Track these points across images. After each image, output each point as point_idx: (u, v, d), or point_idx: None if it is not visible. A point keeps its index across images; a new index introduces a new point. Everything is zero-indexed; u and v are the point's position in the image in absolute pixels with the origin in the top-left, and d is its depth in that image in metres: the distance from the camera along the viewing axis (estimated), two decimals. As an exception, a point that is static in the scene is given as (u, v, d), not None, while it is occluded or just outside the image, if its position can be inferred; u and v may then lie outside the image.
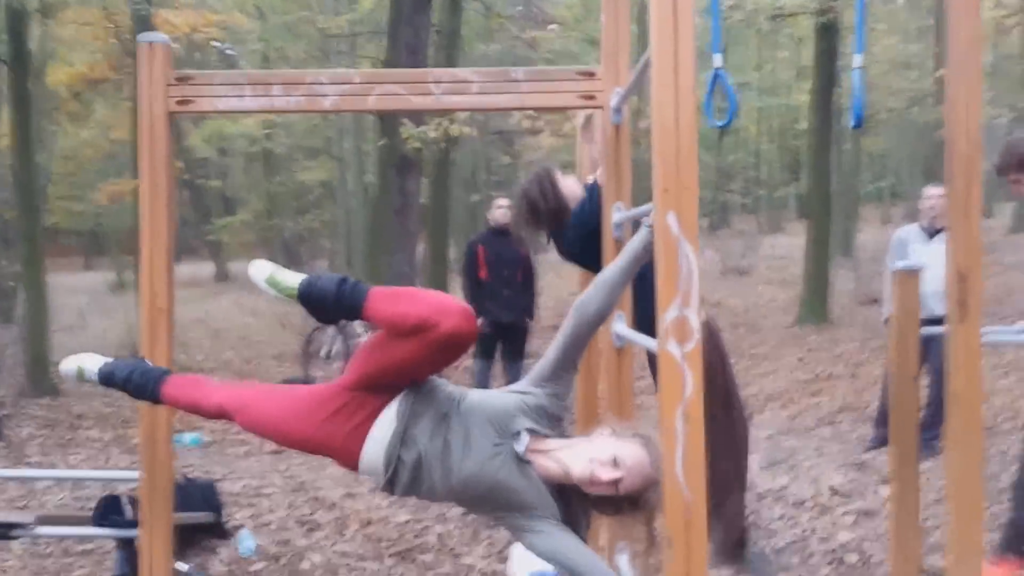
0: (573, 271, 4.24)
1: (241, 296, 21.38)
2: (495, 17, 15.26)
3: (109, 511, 3.71)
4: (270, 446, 7.19)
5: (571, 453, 2.24)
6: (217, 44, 22.73)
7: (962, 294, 3.01)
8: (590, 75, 3.08)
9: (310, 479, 6.15)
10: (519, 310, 7.07)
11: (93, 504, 4.23)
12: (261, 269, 2.44)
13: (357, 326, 9.17)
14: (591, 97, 3.06)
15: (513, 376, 7.29)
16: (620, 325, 3.00)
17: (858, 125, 3.11)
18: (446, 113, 8.60)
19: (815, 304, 12.24)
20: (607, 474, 2.15)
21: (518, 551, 4.58)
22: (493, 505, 2.28)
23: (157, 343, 3.06)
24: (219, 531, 4.93)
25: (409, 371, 2.32)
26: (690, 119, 2.03)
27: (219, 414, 2.53)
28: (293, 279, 2.38)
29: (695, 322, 2.02)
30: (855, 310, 13.33)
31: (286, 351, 12.25)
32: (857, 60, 3.18)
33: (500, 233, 7.06)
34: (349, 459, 2.34)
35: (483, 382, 7.15)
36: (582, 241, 3.46)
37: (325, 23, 13.28)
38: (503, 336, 7.08)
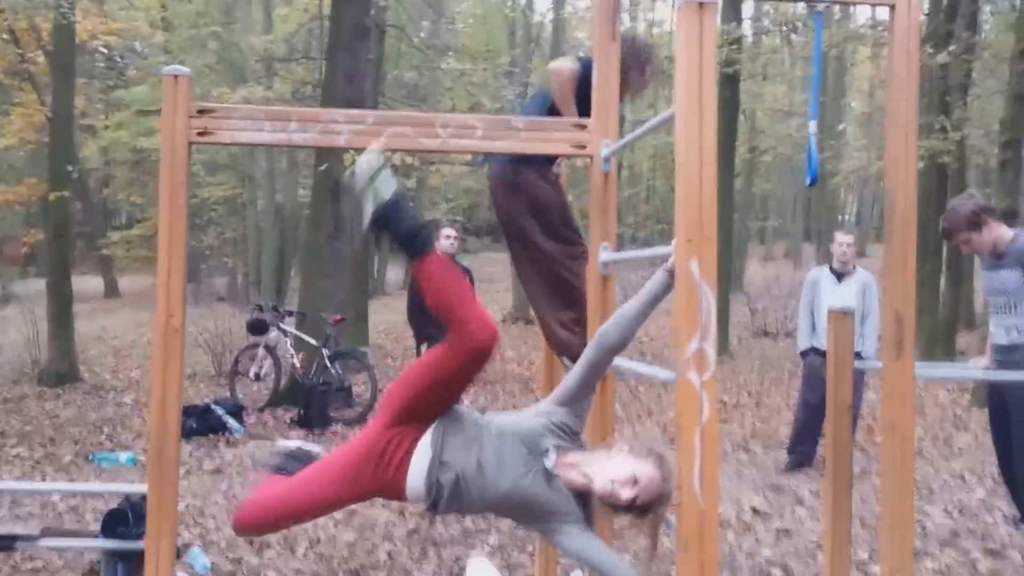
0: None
1: (135, 313, 20.88)
2: (410, 45, 15.58)
3: (116, 523, 3.78)
4: (209, 464, 7.22)
5: (594, 469, 2.52)
6: (105, 49, 22.26)
7: (898, 335, 3.44)
8: (582, 127, 3.40)
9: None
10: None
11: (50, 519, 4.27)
12: (378, 157, 2.61)
13: (292, 357, 9.21)
14: (582, 147, 3.38)
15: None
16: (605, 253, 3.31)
17: (813, 183, 3.53)
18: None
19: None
20: (626, 493, 2.45)
21: (473, 566, 4.81)
22: (527, 514, 2.56)
23: (171, 363, 3.20)
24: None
25: (438, 387, 2.58)
26: (711, 176, 2.37)
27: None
28: (389, 189, 2.57)
29: (712, 355, 2.35)
30: (750, 342, 14.06)
31: (198, 370, 12.12)
32: (812, 126, 3.61)
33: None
34: (398, 493, 2.60)
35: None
36: None
37: (249, 42, 13.31)
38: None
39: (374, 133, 3.31)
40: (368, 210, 2.55)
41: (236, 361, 9.83)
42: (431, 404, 2.62)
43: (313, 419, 8.28)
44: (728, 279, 13.35)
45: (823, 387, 4.75)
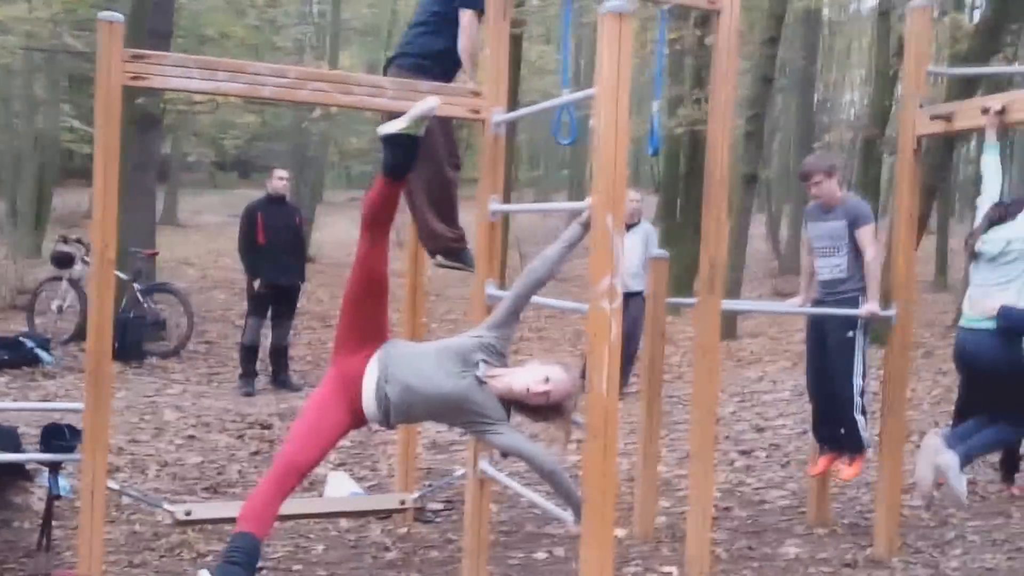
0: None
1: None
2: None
3: (52, 437, 3.93)
4: (36, 395, 7.14)
5: (514, 376, 3.16)
6: None
7: (711, 276, 4.34)
8: (477, 94, 3.97)
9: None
10: (292, 273, 7.72)
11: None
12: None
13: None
14: (477, 111, 3.96)
15: (281, 335, 7.88)
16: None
17: (655, 153, 4.33)
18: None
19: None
20: (540, 387, 3.11)
21: (333, 479, 5.33)
22: (464, 416, 3.16)
23: (104, 297, 3.48)
24: (24, 474, 5.07)
25: (355, 311, 3.16)
26: (624, 148, 3.04)
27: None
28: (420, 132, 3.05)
29: (619, 288, 3.05)
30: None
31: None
32: (655, 107, 4.38)
33: (277, 201, 7.66)
34: (360, 417, 3.12)
35: (254, 338, 7.67)
36: None
37: None
38: (278, 297, 7.67)
39: (295, 87, 3.70)
40: (398, 127, 2.99)
41: (35, 294, 9.51)
42: (361, 327, 3.18)
43: (128, 352, 8.28)
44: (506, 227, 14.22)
45: (630, 322, 5.67)
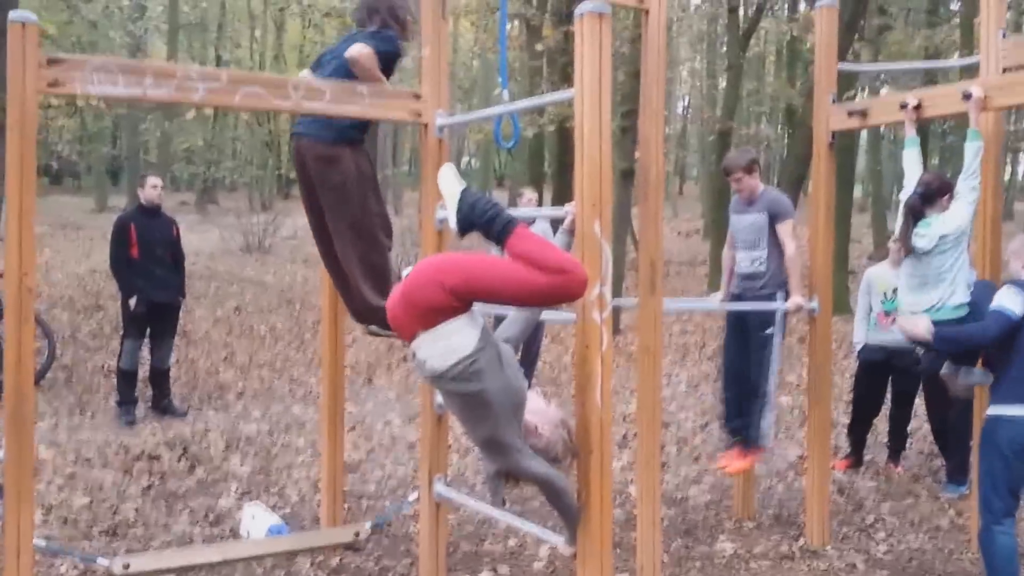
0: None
1: None
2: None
3: None
4: None
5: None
6: None
7: (651, 276, 4.31)
8: (418, 97, 3.77)
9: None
10: (171, 289, 7.15)
11: None
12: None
13: None
14: (419, 114, 3.76)
15: (162, 356, 7.28)
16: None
17: (515, 146, 4.27)
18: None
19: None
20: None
21: (248, 512, 4.96)
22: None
23: (26, 322, 3.08)
24: None
25: (512, 297, 2.90)
26: (608, 152, 2.94)
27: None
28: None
29: (609, 297, 2.95)
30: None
31: None
32: (504, 95, 4.19)
33: (151, 212, 7.06)
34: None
35: (133, 362, 7.07)
36: None
37: None
38: (155, 316, 7.08)
39: (229, 91, 3.41)
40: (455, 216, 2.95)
41: None
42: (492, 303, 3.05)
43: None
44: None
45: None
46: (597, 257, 2.93)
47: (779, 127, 29.22)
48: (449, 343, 2.84)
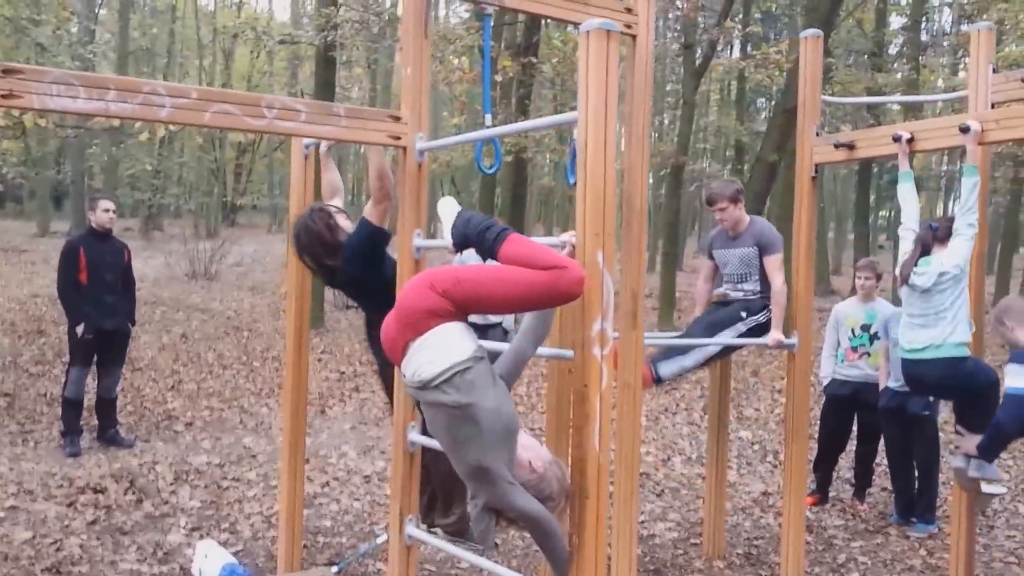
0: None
1: None
2: None
3: None
4: None
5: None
6: None
7: (633, 309, 4.16)
8: (397, 119, 3.59)
9: None
10: (121, 316, 6.81)
11: None
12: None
13: None
14: (397, 137, 3.58)
15: (109, 386, 6.94)
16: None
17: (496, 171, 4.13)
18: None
19: (315, 310, 13.18)
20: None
21: (201, 549, 4.67)
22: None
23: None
24: None
25: (511, 296, 2.75)
26: (612, 178, 2.79)
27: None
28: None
29: (611, 333, 2.79)
30: (336, 315, 14.51)
31: None
32: (487, 120, 4.13)
33: (102, 236, 6.74)
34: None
35: (79, 391, 6.71)
36: (361, 268, 3.93)
37: None
38: (103, 343, 6.74)
39: (198, 108, 3.19)
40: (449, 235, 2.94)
41: None
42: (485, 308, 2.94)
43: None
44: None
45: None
46: (599, 289, 2.77)
47: (723, 164, 29.59)
48: (440, 348, 2.71)
